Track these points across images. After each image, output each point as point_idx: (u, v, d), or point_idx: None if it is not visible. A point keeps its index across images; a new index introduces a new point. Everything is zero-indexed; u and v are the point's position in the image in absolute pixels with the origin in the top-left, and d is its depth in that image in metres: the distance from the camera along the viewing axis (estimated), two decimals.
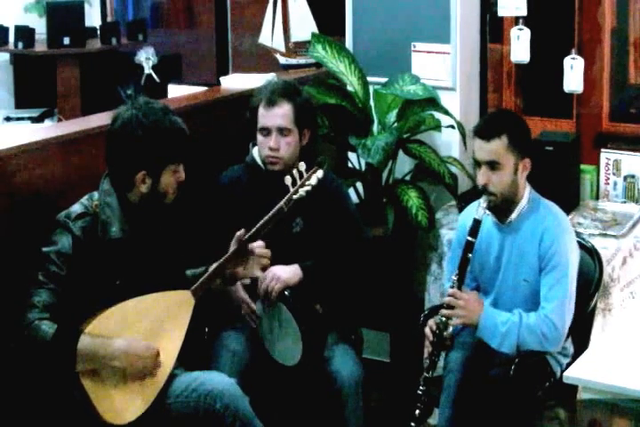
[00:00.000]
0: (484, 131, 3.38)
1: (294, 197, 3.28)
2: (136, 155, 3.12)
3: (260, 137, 3.63)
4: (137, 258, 3.17)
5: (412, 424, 3.40)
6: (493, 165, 3.34)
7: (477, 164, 3.39)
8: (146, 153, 3.11)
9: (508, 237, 3.44)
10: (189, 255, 3.39)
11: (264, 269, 3.30)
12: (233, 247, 3.21)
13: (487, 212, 3.39)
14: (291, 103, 3.62)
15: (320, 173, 3.34)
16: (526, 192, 3.43)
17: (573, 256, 3.38)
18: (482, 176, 3.36)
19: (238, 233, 3.21)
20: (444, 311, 3.36)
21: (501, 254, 3.46)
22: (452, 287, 3.36)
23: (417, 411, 3.38)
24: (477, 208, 3.38)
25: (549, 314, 3.29)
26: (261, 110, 3.62)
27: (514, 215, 3.42)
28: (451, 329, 3.41)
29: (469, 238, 3.36)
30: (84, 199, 3.19)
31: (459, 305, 3.34)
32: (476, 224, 3.36)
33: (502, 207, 3.41)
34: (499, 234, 3.47)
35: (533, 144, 3.60)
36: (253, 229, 3.21)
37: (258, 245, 3.23)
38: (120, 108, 3.17)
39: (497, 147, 3.33)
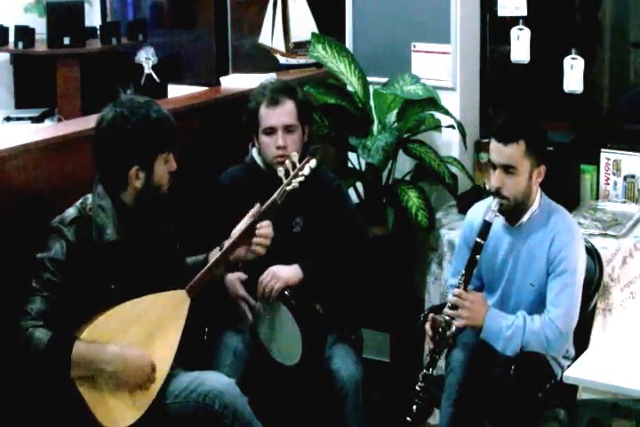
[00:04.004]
0: (503, 134, 3.33)
1: (287, 188, 3.28)
2: (127, 151, 3.11)
3: (264, 138, 3.62)
4: (132, 261, 3.16)
5: (408, 419, 3.38)
6: (509, 170, 3.31)
7: (492, 165, 3.37)
8: (136, 147, 3.11)
9: (518, 239, 3.43)
10: (186, 257, 3.39)
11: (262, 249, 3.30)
12: (244, 226, 3.24)
13: (498, 214, 3.37)
14: (293, 100, 3.63)
15: (313, 163, 3.34)
16: (537, 197, 3.42)
17: (581, 263, 3.38)
18: (496, 179, 3.33)
19: (253, 210, 3.26)
20: (448, 311, 3.35)
21: (509, 256, 3.45)
22: (458, 288, 3.36)
23: (414, 406, 3.37)
24: (488, 210, 3.36)
25: (555, 319, 3.29)
26: (264, 111, 3.62)
27: (524, 219, 3.41)
28: (454, 328, 3.40)
29: (478, 240, 3.34)
30: (78, 203, 3.17)
31: (464, 306, 3.32)
32: (486, 226, 3.34)
33: (513, 211, 3.39)
34: (507, 236, 3.45)
35: (549, 151, 3.58)
36: (263, 208, 3.25)
37: (265, 225, 3.27)
38: (103, 110, 3.17)
39: (514, 152, 3.30)
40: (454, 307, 3.34)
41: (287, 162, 3.33)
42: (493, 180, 3.35)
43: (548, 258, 3.36)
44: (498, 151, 3.33)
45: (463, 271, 3.36)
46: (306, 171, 3.32)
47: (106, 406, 3.05)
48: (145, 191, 3.15)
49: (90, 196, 3.18)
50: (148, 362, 3.09)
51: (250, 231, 3.26)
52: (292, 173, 3.30)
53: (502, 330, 3.30)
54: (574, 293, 3.33)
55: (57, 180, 3.43)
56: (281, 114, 3.61)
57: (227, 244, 3.25)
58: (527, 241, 3.41)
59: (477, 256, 3.34)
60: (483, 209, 3.43)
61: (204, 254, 3.34)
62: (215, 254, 3.27)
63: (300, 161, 3.34)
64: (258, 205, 3.27)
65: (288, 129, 3.61)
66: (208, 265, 3.22)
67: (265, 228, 3.28)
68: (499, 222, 3.45)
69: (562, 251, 3.34)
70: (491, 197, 3.40)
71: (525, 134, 3.32)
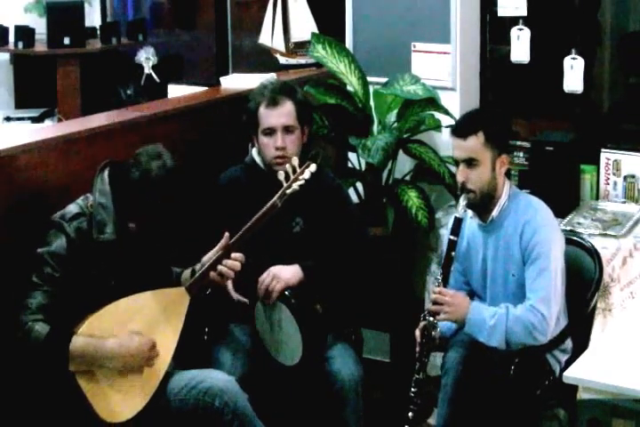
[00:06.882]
0: (461, 129, 3.42)
1: (287, 191, 3.29)
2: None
3: (263, 139, 3.62)
4: (131, 259, 3.17)
5: None
6: (471, 162, 3.37)
7: (456, 162, 3.42)
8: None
9: (492, 235, 3.46)
10: (185, 256, 3.39)
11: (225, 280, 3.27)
12: (219, 252, 3.22)
13: (467, 209, 3.40)
14: (292, 101, 3.63)
15: (313, 168, 3.34)
16: (506, 188, 3.45)
17: (556, 246, 3.39)
18: (460, 174, 3.40)
19: (223, 240, 3.21)
20: (430, 307, 3.38)
21: (487, 254, 3.48)
22: (438, 286, 3.37)
23: (410, 413, 3.38)
24: (458, 207, 3.40)
25: (535, 304, 3.30)
26: (264, 111, 3.62)
27: (495, 212, 3.44)
28: (439, 330, 3.41)
29: (451, 237, 3.39)
30: (80, 199, 3.19)
31: (445, 301, 3.35)
32: (457, 222, 3.39)
33: (482, 204, 3.43)
34: (483, 234, 3.49)
35: (510, 140, 3.68)
36: (241, 231, 3.22)
37: (233, 257, 3.22)
38: (151, 159, 3.13)
39: (473, 144, 3.36)
40: (436, 304, 3.36)
41: (287, 166, 3.33)
42: (458, 175, 3.41)
43: (521, 246, 3.39)
44: (459, 147, 3.40)
45: (441, 270, 3.39)
46: (306, 175, 3.32)
47: (105, 399, 3.06)
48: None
49: (90, 195, 3.18)
50: (148, 344, 3.09)
51: (220, 261, 3.23)
52: (292, 177, 3.30)
53: (485, 320, 3.31)
54: (551, 275, 3.33)
55: (57, 179, 3.43)
56: (280, 114, 3.60)
57: (198, 269, 3.25)
58: (501, 234, 3.44)
59: (452, 253, 3.38)
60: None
61: (181, 269, 3.35)
62: (187, 276, 3.29)
63: (300, 165, 3.34)
64: (227, 235, 3.23)
65: (287, 129, 3.60)
66: (203, 269, 3.21)
67: (233, 260, 3.24)
68: (473, 224, 3.49)
69: (533, 237, 3.36)
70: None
71: (483, 126, 3.38)
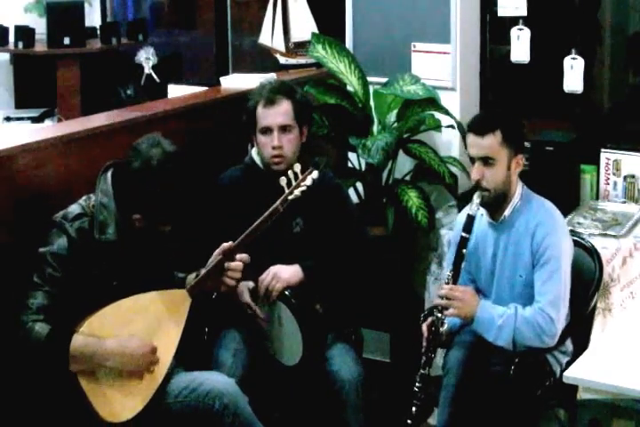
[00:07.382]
0: (479, 126, 3.41)
1: (289, 197, 3.29)
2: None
3: (261, 138, 3.63)
4: (133, 259, 3.17)
5: (409, 422, 3.39)
6: (487, 161, 3.37)
7: (471, 160, 3.41)
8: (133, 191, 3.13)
9: (503, 234, 3.46)
10: (186, 257, 3.39)
11: (229, 287, 3.27)
12: (217, 258, 3.21)
13: (480, 208, 3.40)
14: (290, 100, 3.63)
15: (315, 174, 3.35)
16: (518, 189, 3.45)
17: (566, 250, 3.40)
18: (475, 171, 3.39)
19: (224, 245, 3.21)
20: (440, 302, 3.37)
21: (496, 252, 3.47)
22: (447, 283, 3.37)
23: (413, 408, 3.38)
24: (470, 204, 3.39)
25: (544, 307, 3.30)
26: (261, 111, 3.62)
27: (507, 212, 3.44)
28: (446, 326, 3.41)
29: (463, 234, 3.38)
30: (82, 200, 3.18)
31: (455, 297, 3.35)
32: (470, 220, 3.38)
33: (495, 203, 3.42)
34: (493, 233, 3.48)
35: (525, 141, 3.65)
36: (242, 236, 3.22)
37: (238, 258, 3.23)
38: (151, 146, 3.13)
39: (491, 142, 3.36)
40: (446, 299, 3.36)
41: (289, 172, 3.33)
42: (473, 172, 3.41)
43: (532, 248, 3.38)
44: (476, 144, 3.39)
45: (451, 267, 3.38)
46: (308, 182, 3.33)
47: (105, 398, 3.06)
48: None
49: (92, 195, 3.18)
50: (148, 347, 3.09)
51: (221, 266, 3.23)
52: (293, 184, 3.31)
53: (494, 319, 3.31)
54: (561, 278, 3.34)
55: (57, 179, 3.43)
56: (277, 114, 3.61)
57: (202, 272, 3.26)
58: (512, 234, 3.44)
59: (464, 250, 3.37)
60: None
61: (185, 274, 3.35)
62: (191, 281, 3.28)
63: (302, 171, 3.34)
64: (231, 243, 3.23)
65: (284, 129, 3.61)
66: (204, 271, 3.22)
67: (235, 262, 3.25)
68: (484, 222, 3.49)
69: (545, 239, 3.36)
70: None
71: (501, 124, 3.38)
